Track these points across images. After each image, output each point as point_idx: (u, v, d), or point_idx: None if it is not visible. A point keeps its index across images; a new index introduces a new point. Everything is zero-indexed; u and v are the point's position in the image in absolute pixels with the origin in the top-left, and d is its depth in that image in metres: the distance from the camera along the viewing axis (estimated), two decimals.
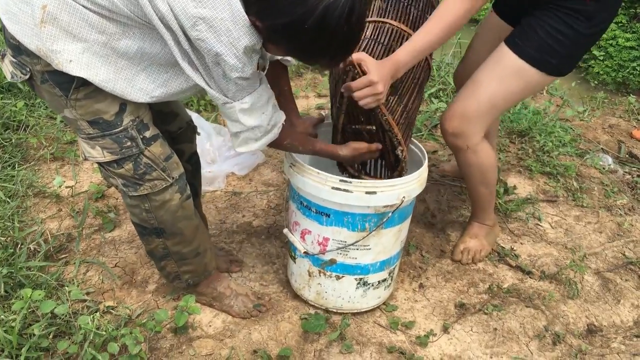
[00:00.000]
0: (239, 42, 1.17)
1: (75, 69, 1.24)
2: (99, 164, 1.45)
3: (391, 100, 1.59)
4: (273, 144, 1.46)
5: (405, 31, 1.67)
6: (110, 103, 1.34)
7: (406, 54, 1.49)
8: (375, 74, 1.40)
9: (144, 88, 1.33)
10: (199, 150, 1.83)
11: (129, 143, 1.39)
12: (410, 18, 1.72)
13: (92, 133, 1.37)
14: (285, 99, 1.70)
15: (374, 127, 1.61)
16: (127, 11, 1.19)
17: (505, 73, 1.69)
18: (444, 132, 1.84)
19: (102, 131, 1.37)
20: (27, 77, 1.31)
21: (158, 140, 1.46)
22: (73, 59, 1.23)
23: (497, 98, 1.72)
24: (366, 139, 1.66)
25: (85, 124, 1.36)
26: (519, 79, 1.69)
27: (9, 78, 1.34)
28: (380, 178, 1.78)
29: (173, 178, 1.49)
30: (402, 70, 1.50)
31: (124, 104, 1.36)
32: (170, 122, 1.67)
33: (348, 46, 1.25)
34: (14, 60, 1.31)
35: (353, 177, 1.77)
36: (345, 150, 1.62)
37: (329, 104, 3.18)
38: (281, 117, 1.44)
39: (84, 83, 1.29)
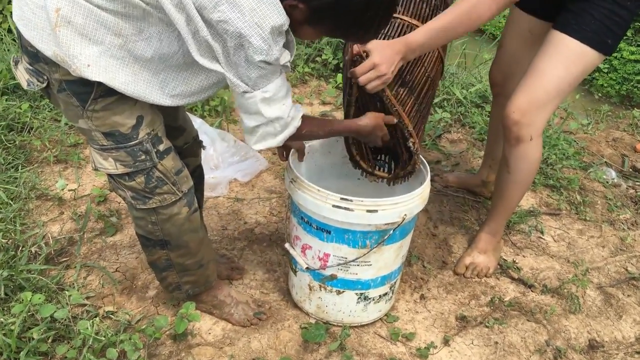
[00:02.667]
0: (265, 21, 1.12)
1: (94, 74, 1.21)
2: (109, 175, 1.43)
3: (401, 92, 1.59)
4: (292, 136, 1.39)
5: (416, 25, 1.66)
6: (127, 116, 1.32)
7: (418, 33, 1.51)
8: (376, 56, 1.42)
9: (164, 87, 1.30)
10: (202, 157, 1.82)
11: (143, 156, 1.37)
12: (422, 14, 1.71)
13: (107, 145, 1.35)
14: None
15: None
16: (140, 1, 1.15)
17: (568, 59, 1.71)
18: (509, 122, 1.80)
19: (116, 143, 1.35)
20: (45, 85, 1.29)
21: (170, 154, 1.44)
22: (91, 63, 1.20)
23: (563, 84, 1.75)
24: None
25: (100, 135, 1.34)
26: (580, 63, 1.72)
27: (24, 86, 1.31)
28: (395, 177, 1.76)
29: (182, 192, 1.47)
30: (415, 51, 1.51)
31: (140, 116, 1.34)
32: (178, 137, 1.64)
33: (392, 10, 1.25)
34: (30, 67, 1.28)
35: (367, 172, 1.78)
36: (365, 120, 1.56)
37: (333, 112, 3.19)
38: (300, 110, 1.38)
39: (102, 94, 1.27)
